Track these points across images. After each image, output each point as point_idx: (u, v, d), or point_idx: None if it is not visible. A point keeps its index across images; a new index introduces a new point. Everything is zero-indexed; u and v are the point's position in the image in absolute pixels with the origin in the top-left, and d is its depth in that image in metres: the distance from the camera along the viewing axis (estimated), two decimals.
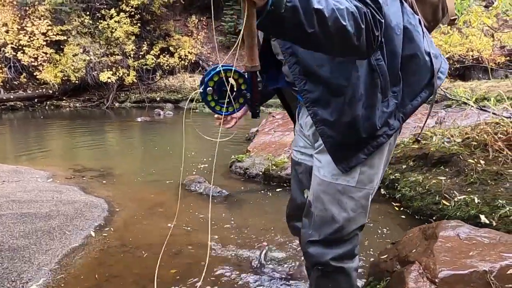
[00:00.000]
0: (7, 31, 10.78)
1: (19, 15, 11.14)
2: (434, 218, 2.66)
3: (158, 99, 12.03)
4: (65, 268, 2.14)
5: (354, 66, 1.04)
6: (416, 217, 2.80)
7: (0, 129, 8.31)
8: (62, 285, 1.98)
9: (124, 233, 2.62)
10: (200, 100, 0.89)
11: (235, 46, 0.79)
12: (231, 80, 0.87)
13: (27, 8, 11.04)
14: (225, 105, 0.87)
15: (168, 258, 2.26)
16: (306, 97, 1.08)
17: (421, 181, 2.96)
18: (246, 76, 0.88)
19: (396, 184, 3.16)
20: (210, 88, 0.84)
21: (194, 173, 4.02)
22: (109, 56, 11.37)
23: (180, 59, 12.48)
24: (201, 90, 0.84)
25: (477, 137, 3.01)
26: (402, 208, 2.97)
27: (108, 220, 2.81)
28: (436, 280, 1.38)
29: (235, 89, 0.92)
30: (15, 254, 2.14)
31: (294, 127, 1.48)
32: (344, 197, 1.17)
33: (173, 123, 8.74)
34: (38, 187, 3.39)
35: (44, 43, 10.87)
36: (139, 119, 8.77)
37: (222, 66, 0.85)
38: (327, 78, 1.05)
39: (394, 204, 3.04)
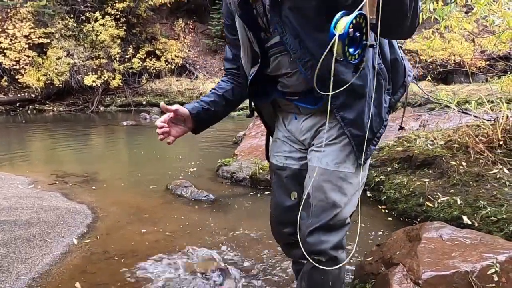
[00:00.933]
0: None
1: (0, 17, 10.89)
2: (418, 219, 2.70)
3: (144, 103, 11.90)
4: (45, 277, 2.08)
5: (368, 71, 1.16)
6: (401, 219, 2.84)
7: None
8: None
9: (107, 239, 2.57)
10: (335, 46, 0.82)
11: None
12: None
13: (9, 10, 10.80)
14: (356, 52, 0.85)
15: (152, 265, 2.22)
16: (333, 104, 1.14)
17: (405, 183, 3.00)
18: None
19: (381, 187, 3.19)
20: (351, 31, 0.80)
21: (180, 177, 3.97)
22: (94, 59, 11.20)
23: (166, 63, 12.40)
24: (344, 32, 0.80)
25: (459, 139, 3.07)
26: (387, 211, 3.00)
27: (91, 227, 2.75)
28: (420, 282, 1.39)
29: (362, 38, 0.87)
30: None
31: (270, 136, 1.52)
32: (345, 183, 1.24)
33: None
34: (19, 193, 3.29)
35: (27, 46, 10.65)
36: (124, 123, 8.65)
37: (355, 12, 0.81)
38: (350, 83, 1.10)
39: (380, 207, 3.07)
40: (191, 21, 14.51)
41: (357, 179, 1.25)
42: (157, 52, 12.56)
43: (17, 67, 10.57)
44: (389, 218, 2.87)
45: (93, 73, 11.01)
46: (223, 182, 3.98)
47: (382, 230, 2.66)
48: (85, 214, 2.91)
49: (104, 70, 11.25)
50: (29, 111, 11.34)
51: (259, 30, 1.21)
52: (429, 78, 6.41)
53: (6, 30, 10.58)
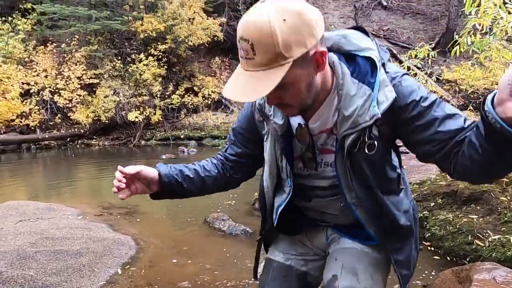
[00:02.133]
0: (46, 76, 11.66)
1: (58, 62, 12.09)
2: (467, 259, 2.54)
3: (182, 136, 12.38)
4: None
5: (412, 208, 1.19)
6: (448, 258, 2.68)
7: (33, 167, 8.75)
8: None
9: (149, 271, 2.65)
10: None
11: None
12: None
13: (65, 55, 11.98)
14: None
15: None
16: (392, 249, 1.12)
17: (451, 219, 2.86)
18: None
19: (425, 223, 3.06)
20: None
21: (218, 210, 4.05)
22: (137, 96, 11.97)
23: (203, 98, 12.96)
24: None
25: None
26: (433, 248, 2.85)
27: (134, 258, 2.85)
28: None
29: None
30: None
31: (275, 236, 1.34)
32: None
33: (197, 159, 8.86)
34: (69, 224, 3.51)
35: (79, 86, 11.64)
36: (164, 156, 9.02)
37: None
38: (404, 228, 1.12)
39: (425, 243, 2.93)
40: (227, 59, 15.24)
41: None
42: (195, 88, 13.20)
43: (70, 105, 11.53)
44: (435, 257, 2.73)
45: (136, 109, 11.72)
46: (259, 215, 3.99)
47: (427, 269, 2.53)
48: (129, 246, 3.03)
49: (146, 106, 11.95)
50: (78, 145, 12.18)
51: (297, 160, 1.12)
52: (471, 107, 6.19)
53: (62, 73, 11.69)
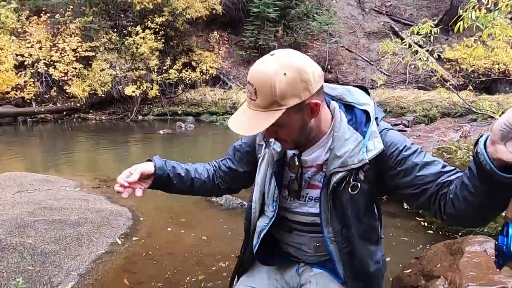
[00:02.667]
0: (40, 48, 11.39)
1: (52, 33, 11.77)
2: (459, 234, 2.59)
3: (179, 112, 12.28)
4: (92, 273, 2.22)
5: (381, 261, 1.25)
6: (441, 233, 2.74)
7: (31, 141, 8.71)
8: None
9: (147, 241, 2.69)
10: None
11: None
12: None
13: (59, 26, 11.66)
14: None
15: (190, 267, 2.30)
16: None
17: None
18: None
19: None
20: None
21: None
22: (134, 70, 11.76)
23: (201, 74, 12.76)
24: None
25: None
26: (426, 224, 2.91)
27: (132, 229, 2.89)
28: None
29: None
30: (47, 259, 2.24)
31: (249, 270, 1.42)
32: None
33: (194, 136, 8.90)
34: (67, 195, 3.53)
35: (74, 58, 11.40)
36: (161, 132, 8.99)
37: None
38: (372, 276, 1.20)
39: (419, 219, 2.98)
40: (226, 33, 14.91)
41: None
42: (193, 63, 12.97)
43: (65, 78, 11.33)
44: (429, 231, 2.78)
45: (133, 83, 11.54)
46: None
47: (420, 243, 2.58)
48: (127, 217, 3.06)
49: (143, 81, 11.77)
50: (74, 119, 12.08)
51: (284, 188, 1.22)
52: (471, 87, 6.11)
53: (56, 45, 11.42)
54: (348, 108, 1.14)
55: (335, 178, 1.06)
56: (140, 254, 2.49)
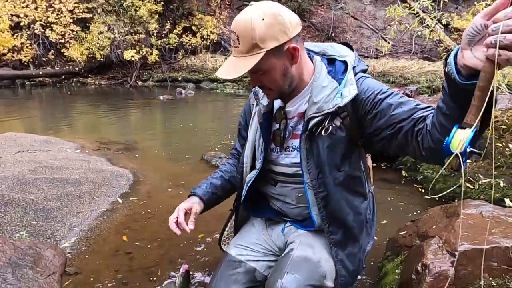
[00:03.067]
0: (36, 8, 11.03)
1: None
2: (456, 200, 2.62)
3: (180, 78, 12.12)
4: (94, 230, 2.27)
5: (364, 219, 1.30)
6: (437, 199, 2.77)
7: (29, 103, 8.65)
8: (92, 244, 2.11)
9: (148, 201, 2.73)
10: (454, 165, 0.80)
11: (484, 105, 0.71)
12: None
13: None
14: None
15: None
16: (330, 238, 1.26)
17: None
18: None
19: (418, 166, 3.12)
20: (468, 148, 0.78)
21: (216, 149, 4.09)
22: (133, 34, 11.46)
23: (202, 39, 12.46)
24: (464, 149, 0.77)
25: (507, 121, 2.92)
26: (423, 190, 2.94)
27: (133, 189, 2.93)
28: (456, 253, 1.39)
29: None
30: (49, 214, 2.28)
31: (241, 228, 1.52)
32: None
33: (194, 102, 8.83)
34: (68, 156, 3.55)
35: (71, 20, 11.08)
36: (161, 97, 8.91)
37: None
38: (349, 226, 1.25)
39: (416, 186, 3.01)
40: None
41: None
42: (193, 28, 12.62)
43: (63, 41, 11.07)
44: (426, 197, 2.82)
45: (132, 48, 11.30)
46: None
47: (417, 209, 2.62)
48: (127, 178, 3.09)
49: (142, 46, 11.51)
50: (73, 84, 11.94)
51: (270, 141, 1.30)
52: None
53: (52, 5, 11.05)
54: (331, 61, 1.22)
55: (312, 123, 1.14)
56: (141, 213, 2.54)
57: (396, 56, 12.30)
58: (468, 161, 0.86)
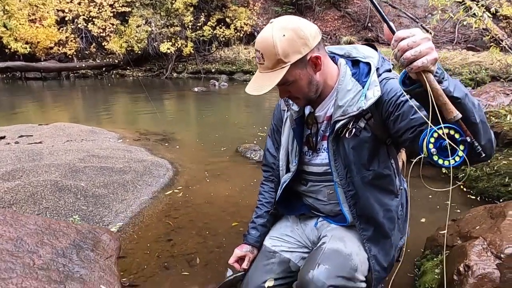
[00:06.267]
0: (79, 3, 11.59)
1: None
2: (501, 200, 2.51)
3: (213, 70, 12.30)
4: (137, 216, 2.41)
5: (396, 216, 1.32)
6: (480, 198, 2.67)
7: (73, 94, 9.17)
8: (136, 230, 2.24)
9: (186, 191, 2.85)
10: (428, 159, 0.95)
11: (431, 110, 0.88)
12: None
13: None
14: (448, 158, 0.93)
15: (226, 215, 2.43)
16: (362, 234, 1.30)
17: (489, 161, 2.78)
18: (455, 126, 0.91)
19: None
20: (434, 149, 0.92)
21: (254, 142, 4.13)
22: (169, 27, 11.75)
23: (235, 31, 12.52)
24: (424, 155, 0.93)
25: None
26: (465, 189, 2.83)
27: (172, 179, 3.06)
28: (502, 256, 1.35)
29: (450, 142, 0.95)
30: (98, 201, 2.44)
31: (276, 222, 1.57)
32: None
33: (228, 94, 8.95)
34: (111, 146, 3.75)
35: (111, 14, 11.54)
36: (196, 89, 9.10)
37: (437, 126, 0.90)
38: (380, 223, 1.28)
39: (458, 182, 2.90)
40: None
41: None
42: (227, 19, 12.70)
43: (103, 34, 11.58)
44: (468, 196, 2.72)
45: (168, 40, 11.60)
46: None
47: (459, 208, 2.54)
48: (166, 168, 3.23)
49: (178, 38, 11.78)
50: (113, 75, 12.49)
51: (304, 144, 1.35)
52: None
53: (94, 0, 11.55)
54: (355, 63, 1.24)
55: (337, 125, 1.18)
56: (180, 202, 2.65)
57: (437, 46, 11.68)
58: (457, 153, 0.93)
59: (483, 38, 10.47)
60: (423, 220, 2.33)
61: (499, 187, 2.59)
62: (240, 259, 1.49)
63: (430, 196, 2.71)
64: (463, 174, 2.91)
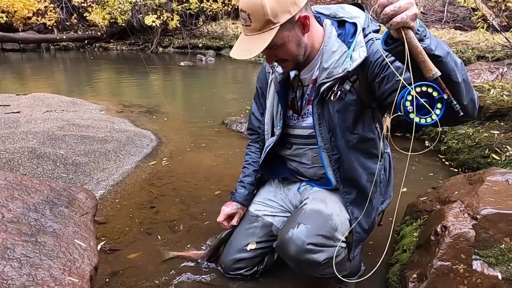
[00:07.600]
0: None
1: None
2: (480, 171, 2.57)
3: (200, 45, 12.01)
4: (119, 185, 2.37)
5: (379, 179, 1.34)
6: (460, 170, 2.72)
7: (54, 66, 8.83)
8: (118, 198, 2.21)
9: (170, 161, 2.81)
10: (405, 117, 0.96)
11: (405, 66, 0.88)
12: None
13: None
14: (426, 116, 0.93)
15: (209, 184, 2.42)
16: (345, 197, 1.30)
17: (471, 134, 2.83)
18: (433, 84, 0.90)
19: (443, 136, 3.04)
20: (411, 107, 0.91)
21: (242, 116, 4.09)
22: None
23: (223, 4, 12.16)
24: (401, 113, 0.94)
25: None
26: (447, 163, 2.88)
27: (156, 149, 3.01)
28: (478, 217, 1.37)
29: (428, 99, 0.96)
30: (78, 169, 2.39)
31: (260, 187, 1.60)
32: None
33: (215, 69, 8.78)
34: (93, 116, 3.65)
35: None
36: (182, 64, 8.89)
37: (410, 87, 0.91)
38: (363, 186, 1.28)
39: (441, 156, 2.95)
40: None
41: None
42: None
43: (85, 5, 11.09)
44: (450, 169, 2.77)
45: (153, 13, 11.20)
46: None
47: (439, 178, 2.59)
48: (150, 138, 3.17)
49: (163, 10, 11.38)
50: (95, 49, 12.06)
51: (288, 107, 1.34)
52: None
53: None
54: (341, 24, 1.21)
55: (322, 88, 1.16)
56: (163, 171, 2.62)
57: (426, 25, 11.66)
58: (436, 110, 0.94)
59: (471, 18, 10.48)
60: (404, 189, 2.37)
61: (479, 159, 2.64)
62: (229, 217, 1.49)
63: (413, 168, 2.75)
64: (445, 147, 2.96)
